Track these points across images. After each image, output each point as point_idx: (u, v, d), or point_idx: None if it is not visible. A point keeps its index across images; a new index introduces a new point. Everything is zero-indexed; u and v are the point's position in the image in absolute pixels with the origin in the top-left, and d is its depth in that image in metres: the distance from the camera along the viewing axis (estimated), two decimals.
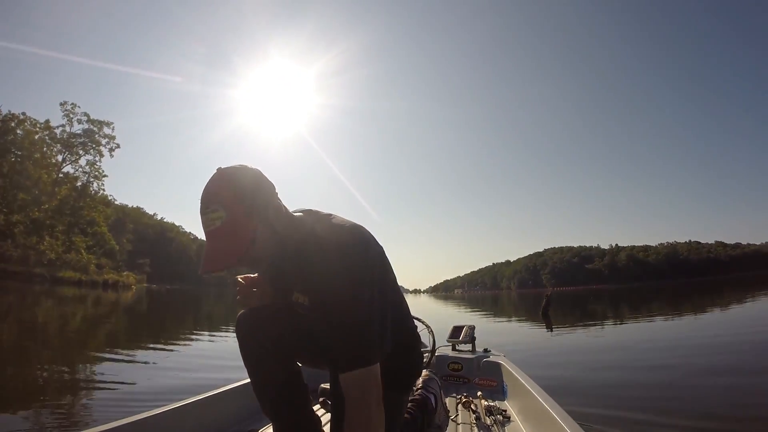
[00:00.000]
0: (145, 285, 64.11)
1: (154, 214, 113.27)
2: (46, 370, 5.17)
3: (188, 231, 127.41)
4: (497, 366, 2.80)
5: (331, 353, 1.20)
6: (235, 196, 1.11)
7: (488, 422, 2.07)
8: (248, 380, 1.98)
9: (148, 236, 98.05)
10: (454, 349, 3.28)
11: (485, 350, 3.18)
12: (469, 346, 3.29)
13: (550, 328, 11.56)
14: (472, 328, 3.33)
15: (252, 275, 1.48)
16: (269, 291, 1.45)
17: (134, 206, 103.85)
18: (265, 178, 1.20)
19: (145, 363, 5.80)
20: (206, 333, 10.25)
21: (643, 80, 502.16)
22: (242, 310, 1.47)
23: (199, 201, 1.14)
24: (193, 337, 9.44)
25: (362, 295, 1.11)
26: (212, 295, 48.64)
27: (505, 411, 2.20)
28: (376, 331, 1.11)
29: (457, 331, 3.33)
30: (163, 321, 14.41)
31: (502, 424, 2.03)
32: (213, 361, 6.03)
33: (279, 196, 1.21)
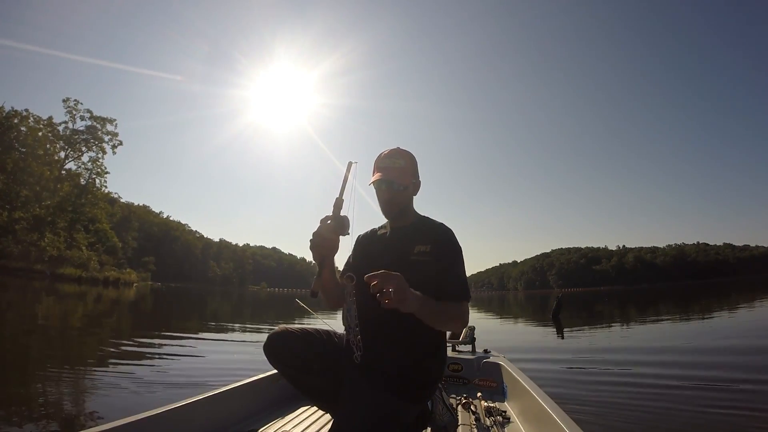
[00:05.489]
0: (149, 283, 64.13)
1: (160, 212, 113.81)
2: (45, 367, 5.10)
3: (194, 229, 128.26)
4: (497, 367, 2.80)
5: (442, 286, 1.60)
6: (412, 161, 1.80)
7: (488, 423, 2.07)
8: (248, 380, 2.21)
9: (154, 234, 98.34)
10: (454, 349, 3.27)
11: (485, 351, 3.19)
12: (469, 347, 3.29)
13: (560, 332, 10.98)
14: (472, 329, 3.32)
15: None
16: (336, 239, 1.65)
17: (140, 204, 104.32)
18: None
19: (143, 362, 5.76)
20: (203, 333, 9.88)
21: (651, 81, 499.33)
22: (273, 331, 1.76)
23: (386, 152, 1.77)
24: (193, 336, 9.12)
25: (461, 257, 1.70)
26: (217, 293, 48.57)
27: (505, 412, 2.19)
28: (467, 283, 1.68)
29: None
30: (162, 319, 14.03)
31: (502, 425, 2.02)
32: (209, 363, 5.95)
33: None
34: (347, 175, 1.63)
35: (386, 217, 1.83)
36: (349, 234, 1.63)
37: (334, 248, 1.63)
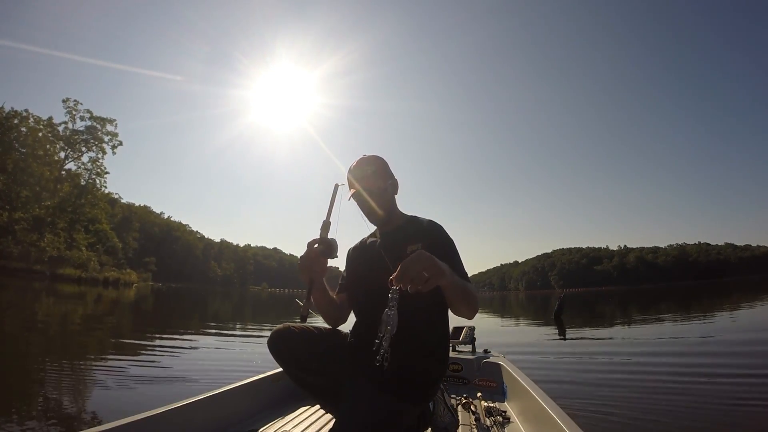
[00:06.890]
0: (150, 283, 64.11)
1: (161, 212, 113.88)
2: (46, 368, 5.08)
3: (195, 230, 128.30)
4: (497, 367, 2.80)
5: None
6: (381, 164, 1.78)
7: (488, 423, 2.06)
8: (248, 380, 2.20)
9: (155, 235, 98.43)
10: (453, 349, 3.26)
11: (485, 351, 3.18)
12: (468, 347, 3.28)
13: (563, 333, 10.91)
14: (472, 329, 3.32)
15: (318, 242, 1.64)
16: (325, 263, 1.65)
17: (141, 205, 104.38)
18: None
19: (142, 362, 5.72)
20: (203, 333, 9.85)
21: (653, 81, 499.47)
22: (276, 328, 1.75)
23: (354, 163, 1.74)
24: (193, 336, 9.06)
25: (456, 249, 1.67)
26: (218, 294, 48.57)
27: (505, 412, 2.18)
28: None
29: (457, 331, 3.31)
30: (162, 319, 13.96)
31: (502, 426, 2.02)
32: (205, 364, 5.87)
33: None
34: (334, 198, 1.64)
35: (374, 224, 1.82)
36: (337, 257, 1.68)
37: (323, 271, 1.66)
